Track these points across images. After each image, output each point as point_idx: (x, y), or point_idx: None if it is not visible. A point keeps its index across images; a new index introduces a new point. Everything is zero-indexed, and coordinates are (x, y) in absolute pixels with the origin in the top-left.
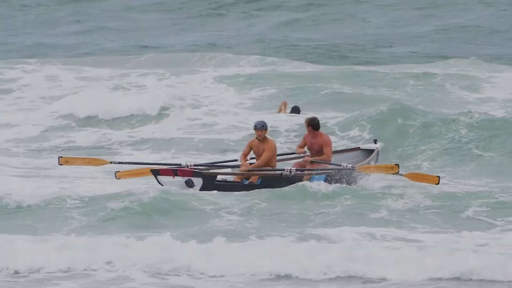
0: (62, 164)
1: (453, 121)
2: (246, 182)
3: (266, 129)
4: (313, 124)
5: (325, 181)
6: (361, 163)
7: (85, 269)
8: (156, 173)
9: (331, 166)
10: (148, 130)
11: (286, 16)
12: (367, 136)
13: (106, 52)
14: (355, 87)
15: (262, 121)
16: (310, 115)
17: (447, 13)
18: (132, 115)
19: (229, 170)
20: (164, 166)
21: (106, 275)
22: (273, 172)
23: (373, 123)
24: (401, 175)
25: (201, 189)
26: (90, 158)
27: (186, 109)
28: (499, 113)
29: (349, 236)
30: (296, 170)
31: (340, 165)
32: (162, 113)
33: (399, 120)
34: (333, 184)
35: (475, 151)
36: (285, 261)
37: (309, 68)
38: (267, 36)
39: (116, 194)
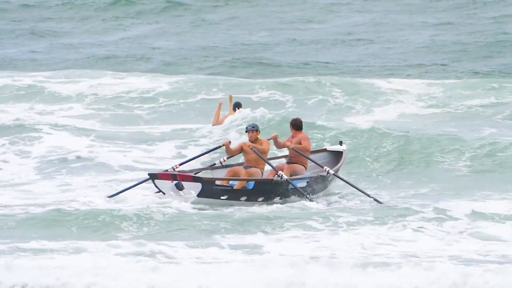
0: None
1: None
2: (234, 185)
3: (257, 130)
4: (295, 124)
5: (307, 184)
6: (336, 167)
7: None
8: (154, 177)
9: (315, 174)
10: (67, 115)
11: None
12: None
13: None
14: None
15: (253, 123)
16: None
17: (328, 20)
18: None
19: (224, 172)
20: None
21: None
22: (264, 178)
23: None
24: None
25: (199, 195)
26: None
27: (101, 99)
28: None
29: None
30: (287, 178)
31: (322, 167)
32: (77, 101)
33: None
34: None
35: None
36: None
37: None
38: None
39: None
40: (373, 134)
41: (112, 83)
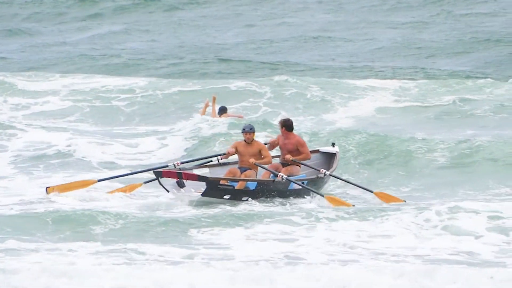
0: (49, 193)
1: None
2: (235, 186)
3: (254, 132)
4: (286, 125)
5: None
6: (332, 168)
7: None
8: (158, 174)
9: (311, 175)
10: (43, 109)
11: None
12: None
13: None
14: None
15: (250, 124)
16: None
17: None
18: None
19: (221, 170)
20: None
21: None
22: (266, 179)
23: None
24: (372, 192)
25: (203, 194)
26: (78, 182)
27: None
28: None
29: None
30: (287, 179)
31: (319, 170)
32: (53, 95)
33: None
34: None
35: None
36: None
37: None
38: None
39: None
40: (349, 131)
41: (85, 82)
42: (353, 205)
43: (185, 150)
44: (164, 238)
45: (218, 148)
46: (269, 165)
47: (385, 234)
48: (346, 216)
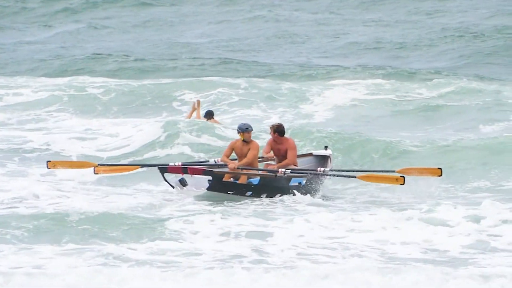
0: (50, 168)
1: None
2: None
3: (251, 130)
4: (279, 131)
5: (304, 183)
6: (329, 168)
7: None
8: (163, 170)
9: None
10: (16, 101)
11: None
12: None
13: None
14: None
15: (247, 123)
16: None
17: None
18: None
19: (219, 169)
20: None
21: None
22: (267, 173)
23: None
24: (394, 171)
25: (208, 188)
26: (78, 162)
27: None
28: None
29: None
30: (291, 171)
31: (316, 170)
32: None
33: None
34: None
35: None
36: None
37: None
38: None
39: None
40: (325, 125)
41: (54, 81)
42: (403, 177)
43: (161, 137)
44: (136, 237)
45: (183, 123)
46: (266, 164)
47: (362, 229)
48: (325, 210)
